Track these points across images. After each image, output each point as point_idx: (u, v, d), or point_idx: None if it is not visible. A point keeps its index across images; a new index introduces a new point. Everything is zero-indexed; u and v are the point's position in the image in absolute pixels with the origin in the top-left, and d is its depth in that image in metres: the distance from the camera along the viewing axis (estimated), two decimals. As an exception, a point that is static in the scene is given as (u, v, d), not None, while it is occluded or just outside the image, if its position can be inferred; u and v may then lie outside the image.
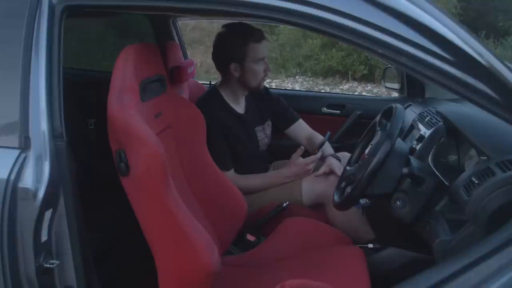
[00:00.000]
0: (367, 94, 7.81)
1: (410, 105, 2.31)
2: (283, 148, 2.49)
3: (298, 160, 2.06)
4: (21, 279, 1.08)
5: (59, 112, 1.14)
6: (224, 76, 2.12)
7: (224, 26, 2.09)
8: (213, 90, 2.16)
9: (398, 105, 1.55)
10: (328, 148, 2.22)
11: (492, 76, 0.98)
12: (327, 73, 9.17)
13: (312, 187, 2.03)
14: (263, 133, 2.27)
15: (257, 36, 2.02)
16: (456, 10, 10.06)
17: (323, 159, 2.13)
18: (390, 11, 0.98)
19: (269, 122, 2.30)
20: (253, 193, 2.05)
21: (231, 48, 2.02)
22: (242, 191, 1.97)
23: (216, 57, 2.11)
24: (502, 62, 0.99)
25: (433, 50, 0.97)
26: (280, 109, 2.33)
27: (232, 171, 2.05)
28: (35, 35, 1.14)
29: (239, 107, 2.18)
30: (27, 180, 1.08)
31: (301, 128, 2.34)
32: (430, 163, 1.51)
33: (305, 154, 2.14)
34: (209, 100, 2.11)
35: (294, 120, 2.34)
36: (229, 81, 2.11)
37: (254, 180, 2.10)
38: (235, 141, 2.09)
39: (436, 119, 1.76)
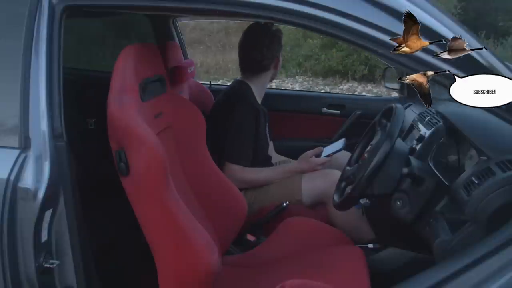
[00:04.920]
0: (367, 94, 7.81)
1: (410, 105, 2.31)
2: (284, 148, 2.50)
3: (312, 158, 2.08)
4: (21, 279, 1.08)
5: (59, 112, 1.14)
6: (256, 70, 2.17)
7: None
8: (245, 84, 2.19)
9: (398, 105, 1.54)
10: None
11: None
12: (327, 73, 9.17)
13: (312, 186, 2.03)
14: (269, 134, 2.29)
15: None
16: (456, 10, 10.06)
17: None
18: (390, 11, 0.99)
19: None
20: (257, 187, 2.07)
21: (280, 44, 2.18)
22: (247, 185, 1.98)
23: (265, 50, 2.14)
24: (502, 62, 0.99)
25: (433, 50, 0.97)
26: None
27: (241, 166, 2.06)
28: (35, 35, 1.14)
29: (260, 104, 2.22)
30: (27, 180, 1.08)
31: (272, 149, 2.39)
32: (430, 163, 1.51)
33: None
34: (245, 92, 2.16)
35: (270, 139, 2.39)
36: (258, 76, 2.17)
37: (259, 173, 2.10)
38: (259, 137, 2.12)
39: (436, 119, 1.75)
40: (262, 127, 2.15)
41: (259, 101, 2.20)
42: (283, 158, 2.38)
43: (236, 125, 2.03)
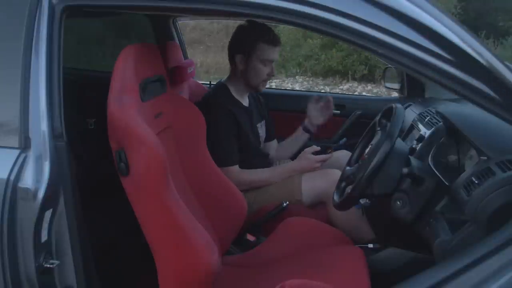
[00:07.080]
0: (367, 94, 7.81)
1: (410, 105, 2.31)
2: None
3: (310, 155, 2.07)
4: (21, 279, 1.08)
5: (59, 112, 1.14)
6: (232, 69, 2.16)
7: (247, 21, 2.13)
8: (221, 85, 2.20)
9: (398, 105, 1.54)
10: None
11: (492, 76, 0.98)
12: (327, 73, 9.18)
13: (312, 186, 2.03)
14: (262, 131, 2.29)
15: (272, 38, 2.07)
16: (456, 10, 10.08)
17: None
18: (390, 11, 0.98)
19: (263, 122, 2.32)
20: (258, 187, 2.06)
21: (243, 39, 2.10)
22: (247, 186, 1.97)
23: (229, 46, 2.16)
24: (502, 62, 0.99)
25: (434, 50, 0.97)
26: (268, 120, 2.37)
27: (237, 166, 2.06)
28: (35, 35, 1.14)
29: (244, 101, 2.20)
30: (27, 180, 1.08)
31: (273, 147, 2.40)
32: (430, 163, 1.51)
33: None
34: (218, 95, 2.15)
35: (272, 138, 2.40)
36: (235, 75, 2.15)
37: (259, 174, 2.10)
38: (243, 135, 2.11)
39: (436, 119, 1.75)
40: (246, 126, 2.13)
41: (241, 99, 2.17)
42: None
43: (214, 131, 1.96)
